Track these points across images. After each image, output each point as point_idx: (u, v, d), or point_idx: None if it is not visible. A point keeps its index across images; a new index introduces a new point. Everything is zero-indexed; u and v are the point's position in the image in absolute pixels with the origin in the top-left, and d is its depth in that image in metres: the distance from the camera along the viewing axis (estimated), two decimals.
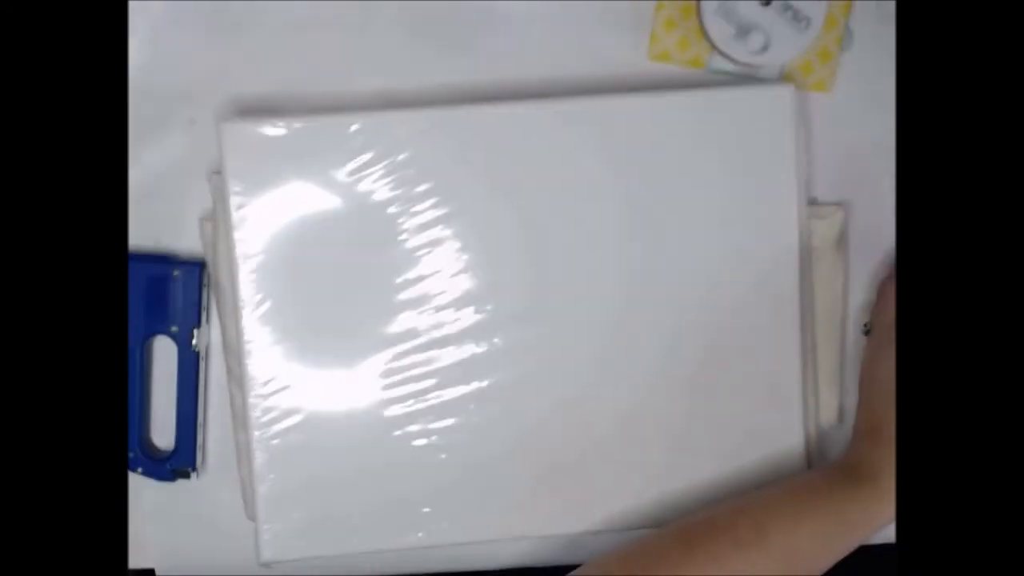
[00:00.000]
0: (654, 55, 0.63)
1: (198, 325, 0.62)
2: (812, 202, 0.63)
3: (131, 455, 0.62)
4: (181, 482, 0.63)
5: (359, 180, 0.59)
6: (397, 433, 0.60)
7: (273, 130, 0.58)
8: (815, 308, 0.63)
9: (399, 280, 0.59)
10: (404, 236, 0.59)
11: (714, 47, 0.61)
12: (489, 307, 0.60)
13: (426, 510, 0.61)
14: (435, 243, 0.59)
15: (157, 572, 0.65)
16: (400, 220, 0.59)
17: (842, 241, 0.63)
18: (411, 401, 0.60)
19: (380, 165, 0.59)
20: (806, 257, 0.62)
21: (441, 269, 0.59)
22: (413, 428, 0.60)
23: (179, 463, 0.63)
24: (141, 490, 0.64)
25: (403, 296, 0.59)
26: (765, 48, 0.60)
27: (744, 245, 0.60)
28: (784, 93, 0.60)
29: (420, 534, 0.61)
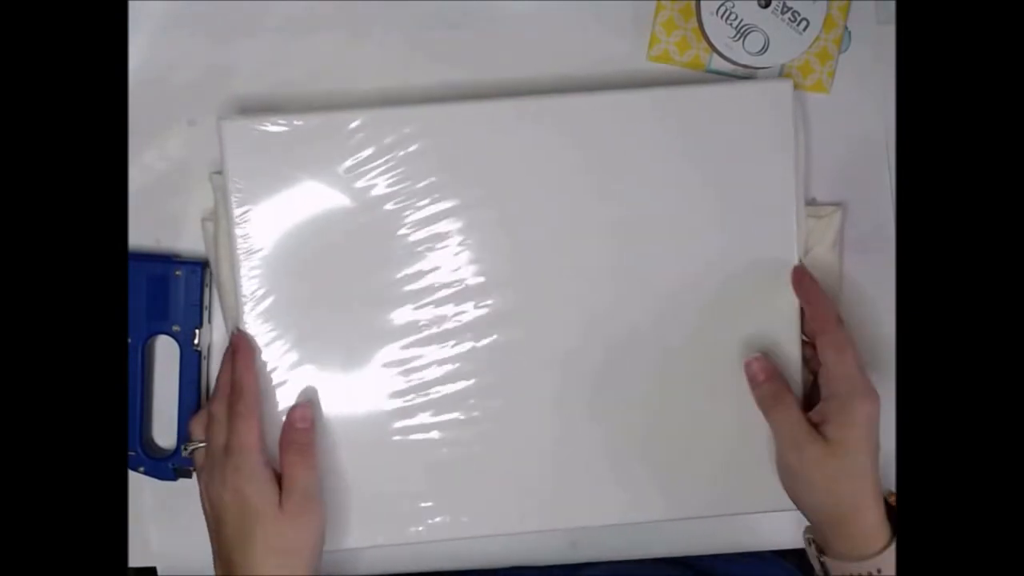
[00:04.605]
0: (653, 56, 0.63)
1: (200, 325, 0.62)
2: (811, 203, 0.63)
3: (133, 454, 0.62)
4: (183, 481, 0.63)
5: (359, 177, 0.59)
6: (397, 427, 0.60)
7: (273, 127, 0.58)
8: None
9: (399, 276, 0.59)
10: (404, 232, 0.59)
11: (713, 48, 0.61)
12: (489, 302, 0.60)
13: (426, 505, 0.61)
14: (435, 239, 0.59)
15: (159, 571, 0.65)
16: (400, 216, 0.59)
17: (838, 241, 0.63)
18: (411, 396, 0.60)
19: (380, 161, 0.59)
20: (803, 257, 0.62)
21: (441, 264, 0.60)
22: (413, 422, 0.60)
23: (181, 462, 0.63)
24: (143, 489, 0.64)
25: (403, 291, 0.59)
26: (764, 49, 0.60)
27: (743, 244, 0.60)
28: (782, 88, 0.60)
29: (420, 529, 0.61)
